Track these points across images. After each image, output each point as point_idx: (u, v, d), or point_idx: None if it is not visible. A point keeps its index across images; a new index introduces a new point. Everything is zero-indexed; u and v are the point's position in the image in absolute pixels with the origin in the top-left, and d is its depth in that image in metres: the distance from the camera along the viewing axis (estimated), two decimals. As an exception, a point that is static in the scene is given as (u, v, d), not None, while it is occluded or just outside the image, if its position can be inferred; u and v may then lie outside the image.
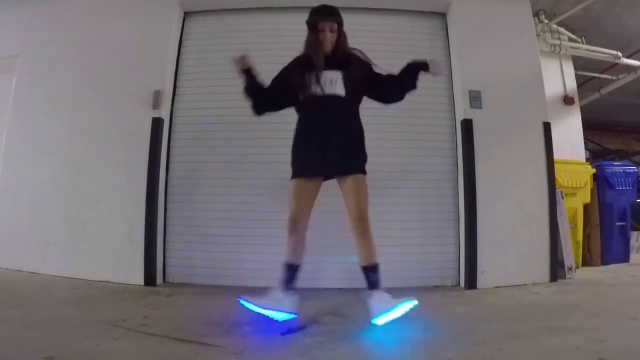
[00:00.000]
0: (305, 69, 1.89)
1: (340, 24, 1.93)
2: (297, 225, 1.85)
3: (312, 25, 1.93)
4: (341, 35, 1.94)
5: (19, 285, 2.54)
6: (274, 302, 1.80)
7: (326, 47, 1.91)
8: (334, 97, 1.87)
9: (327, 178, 1.93)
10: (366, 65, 1.97)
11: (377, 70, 1.98)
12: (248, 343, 1.57)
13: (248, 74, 1.95)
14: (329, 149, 1.84)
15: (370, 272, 1.82)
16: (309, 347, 1.52)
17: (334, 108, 1.88)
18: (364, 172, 1.92)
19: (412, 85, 1.99)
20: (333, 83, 1.87)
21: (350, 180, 1.87)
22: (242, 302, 1.82)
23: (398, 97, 2.04)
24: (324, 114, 1.87)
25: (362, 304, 2.24)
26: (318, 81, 1.86)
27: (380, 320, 1.74)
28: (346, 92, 1.89)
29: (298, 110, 1.98)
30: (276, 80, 1.98)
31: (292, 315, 1.82)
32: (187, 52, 3.13)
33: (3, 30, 3.36)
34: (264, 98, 1.96)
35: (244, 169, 2.93)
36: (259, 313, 1.79)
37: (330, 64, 1.89)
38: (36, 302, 2.14)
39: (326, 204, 2.83)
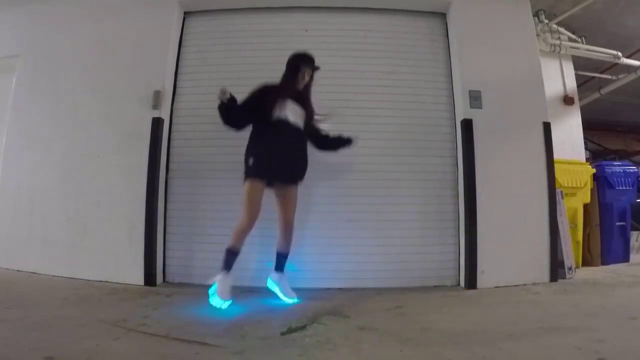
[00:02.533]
0: (277, 97, 2.28)
1: (315, 71, 2.41)
2: (254, 222, 2.21)
3: (296, 69, 2.36)
4: (312, 80, 2.42)
5: (19, 285, 2.54)
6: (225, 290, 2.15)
7: (299, 86, 2.38)
8: (296, 126, 2.32)
9: (269, 185, 2.30)
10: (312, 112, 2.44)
11: (316, 120, 2.45)
12: (248, 343, 1.57)
13: (228, 102, 2.27)
14: (287, 163, 2.29)
15: (283, 257, 2.39)
16: (309, 347, 1.52)
17: (294, 133, 2.32)
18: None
19: (334, 149, 2.53)
20: (296, 116, 2.33)
21: (292, 189, 2.35)
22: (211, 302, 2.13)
23: (326, 148, 2.55)
24: (287, 136, 2.28)
25: (362, 304, 2.26)
26: (286, 109, 2.28)
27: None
28: (303, 124, 2.37)
29: (265, 126, 2.28)
30: (248, 104, 2.31)
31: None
32: (187, 52, 3.14)
33: (3, 30, 3.36)
34: (236, 116, 2.32)
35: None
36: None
37: (296, 99, 2.35)
38: (36, 302, 2.14)
39: (327, 204, 2.86)
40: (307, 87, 2.42)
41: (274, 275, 2.41)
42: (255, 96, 2.32)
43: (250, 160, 2.26)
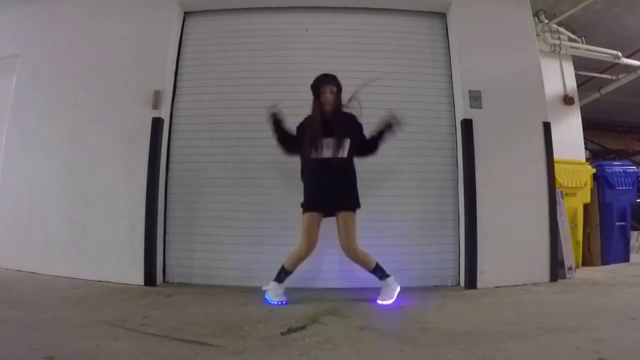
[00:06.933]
0: (311, 139, 2.30)
1: (339, 87, 2.35)
2: (311, 250, 2.28)
3: (316, 89, 2.33)
4: (338, 99, 2.35)
5: (19, 285, 2.54)
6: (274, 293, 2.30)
7: (327, 107, 2.32)
8: (334, 158, 2.28)
9: (327, 215, 2.33)
10: (359, 130, 2.40)
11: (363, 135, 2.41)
12: (248, 343, 1.57)
13: (276, 124, 2.38)
14: (330, 193, 2.28)
15: (373, 273, 2.36)
16: (309, 347, 1.52)
17: (334, 165, 2.30)
18: (353, 210, 2.31)
19: (379, 142, 2.43)
20: (334, 146, 2.28)
21: (340, 216, 2.29)
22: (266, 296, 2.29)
23: (372, 153, 2.45)
24: (326, 171, 2.29)
25: (362, 304, 2.26)
26: (319, 146, 2.29)
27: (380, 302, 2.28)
28: (347, 154, 2.32)
29: (306, 165, 2.38)
30: (292, 139, 2.42)
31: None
32: (187, 52, 3.14)
33: (3, 30, 3.36)
34: (290, 145, 2.42)
35: (243, 169, 2.93)
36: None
37: (331, 127, 2.30)
38: (36, 302, 2.14)
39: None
40: (336, 106, 2.34)
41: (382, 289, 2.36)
42: (297, 134, 2.39)
43: (304, 195, 2.36)
